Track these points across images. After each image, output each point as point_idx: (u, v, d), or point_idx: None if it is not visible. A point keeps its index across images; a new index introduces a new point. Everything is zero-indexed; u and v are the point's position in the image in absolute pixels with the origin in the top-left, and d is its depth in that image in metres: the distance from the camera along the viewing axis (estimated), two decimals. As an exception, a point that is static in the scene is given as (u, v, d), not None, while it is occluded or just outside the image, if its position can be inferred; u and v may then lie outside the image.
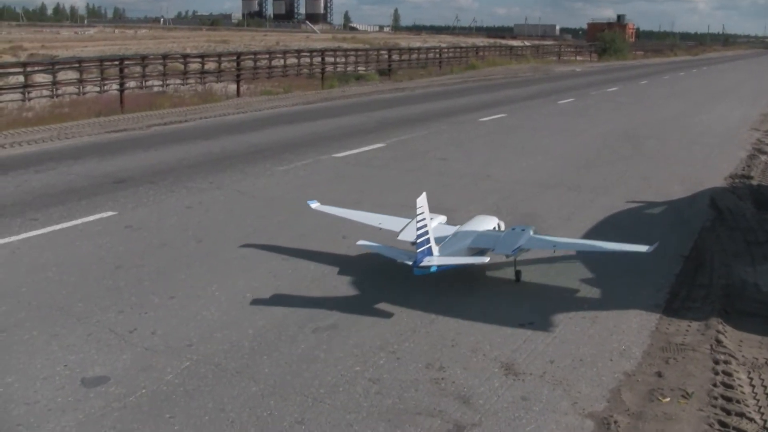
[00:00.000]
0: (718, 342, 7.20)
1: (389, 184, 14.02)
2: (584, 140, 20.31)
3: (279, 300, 7.96)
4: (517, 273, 8.85)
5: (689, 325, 7.63)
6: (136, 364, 6.46)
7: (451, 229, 9.07)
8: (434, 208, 9.50)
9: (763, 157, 18.02)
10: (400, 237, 8.95)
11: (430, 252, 7.96)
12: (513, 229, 8.97)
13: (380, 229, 9.55)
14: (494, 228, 9.22)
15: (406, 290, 8.37)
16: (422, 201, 8.01)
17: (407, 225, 9.06)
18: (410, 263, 7.92)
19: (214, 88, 32.11)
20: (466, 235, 8.85)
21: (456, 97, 32.66)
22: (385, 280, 8.67)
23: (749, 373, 6.60)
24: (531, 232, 8.83)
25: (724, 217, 12.15)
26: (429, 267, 7.90)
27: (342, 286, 8.43)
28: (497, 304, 8.05)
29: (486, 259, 8.34)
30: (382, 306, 7.88)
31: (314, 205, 10.32)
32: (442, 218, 9.48)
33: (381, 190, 13.48)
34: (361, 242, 8.96)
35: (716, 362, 6.77)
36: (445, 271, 8.26)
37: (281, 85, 34.83)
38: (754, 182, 15.10)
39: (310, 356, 6.66)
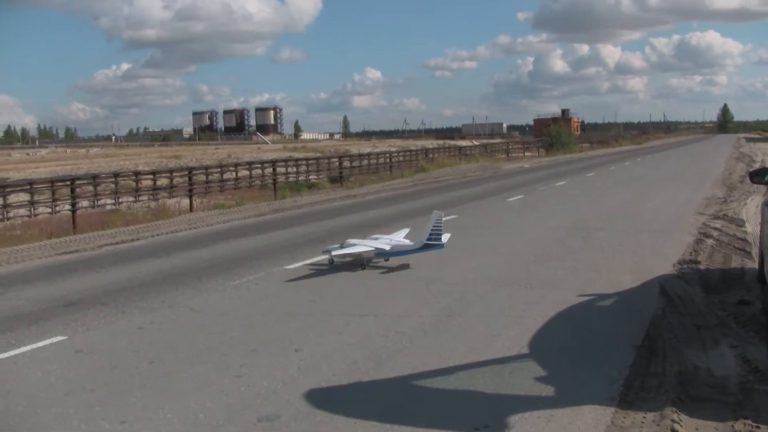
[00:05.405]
0: (674, 431, 7.21)
1: (340, 292, 14.04)
2: (534, 236, 20.56)
3: (231, 419, 7.85)
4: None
5: (644, 417, 7.64)
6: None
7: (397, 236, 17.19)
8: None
9: (710, 241, 18.33)
10: (395, 241, 16.54)
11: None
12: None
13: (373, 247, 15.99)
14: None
15: (360, 399, 8.34)
16: (440, 215, 15.94)
17: (394, 236, 16.98)
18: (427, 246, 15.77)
19: (167, 204, 32.15)
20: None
21: (407, 200, 32.95)
22: (339, 392, 8.63)
23: (706, 461, 6.61)
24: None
25: (675, 304, 12.28)
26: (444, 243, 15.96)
27: (295, 399, 8.34)
28: (450, 407, 8.02)
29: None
30: (339, 419, 7.80)
31: (334, 252, 15.94)
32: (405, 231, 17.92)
33: (333, 298, 13.49)
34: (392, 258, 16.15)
35: (673, 452, 6.78)
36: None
37: (234, 198, 34.95)
38: (702, 266, 15.32)
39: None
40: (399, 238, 16.89)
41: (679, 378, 8.74)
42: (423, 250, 15.88)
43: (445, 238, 16.07)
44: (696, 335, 10.50)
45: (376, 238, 16.67)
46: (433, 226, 15.72)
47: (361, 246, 16.05)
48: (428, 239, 15.75)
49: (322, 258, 16.50)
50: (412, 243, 16.28)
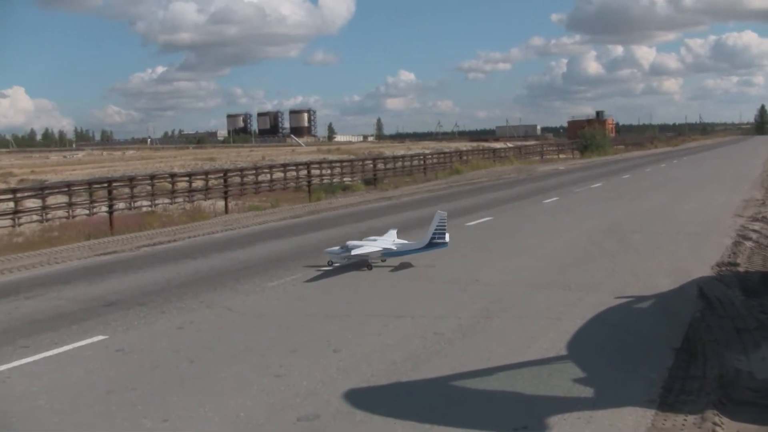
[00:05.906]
0: (715, 435, 7.16)
1: (376, 293, 14.10)
2: (570, 238, 20.47)
3: (272, 418, 7.91)
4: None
5: (685, 419, 7.60)
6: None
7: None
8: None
9: (748, 244, 18.16)
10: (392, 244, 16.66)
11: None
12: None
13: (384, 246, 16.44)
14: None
15: (400, 399, 8.37)
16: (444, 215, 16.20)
17: (386, 237, 17.10)
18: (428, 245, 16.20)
19: (202, 206, 32.32)
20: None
21: (442, 202, 32.81)
22: (378, 392, 8.67)
23: (748, 464, 6.56)
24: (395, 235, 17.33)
25: (714, 307, 12.18)
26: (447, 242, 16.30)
27: (334, 399, 8.39)
28: (489, 408, 8.03)
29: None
30: (379, 419, 7.83)
31: (355, 251, 15.94)
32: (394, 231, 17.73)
33: (369, 299, 13.56)
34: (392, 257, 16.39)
35: (714, 455, 6.73)
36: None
37: (269, 200, 35.07)
38: (741, 269, 15.18)
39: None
40: (392, 238, 17.14)
41: (719, 381, 8.68)
42: (428, 249, 16.31)
43: (447, 237, 16.37)
44: (736, 338, 10.41)
45: (374, 239, 16.98)
46: (437, 226, 16.16)
47: (368, 246, 16.31)
48: (432, 238, 16.17)
49: (347, 262, 16.52)
50: (415, 242, 16.73)
